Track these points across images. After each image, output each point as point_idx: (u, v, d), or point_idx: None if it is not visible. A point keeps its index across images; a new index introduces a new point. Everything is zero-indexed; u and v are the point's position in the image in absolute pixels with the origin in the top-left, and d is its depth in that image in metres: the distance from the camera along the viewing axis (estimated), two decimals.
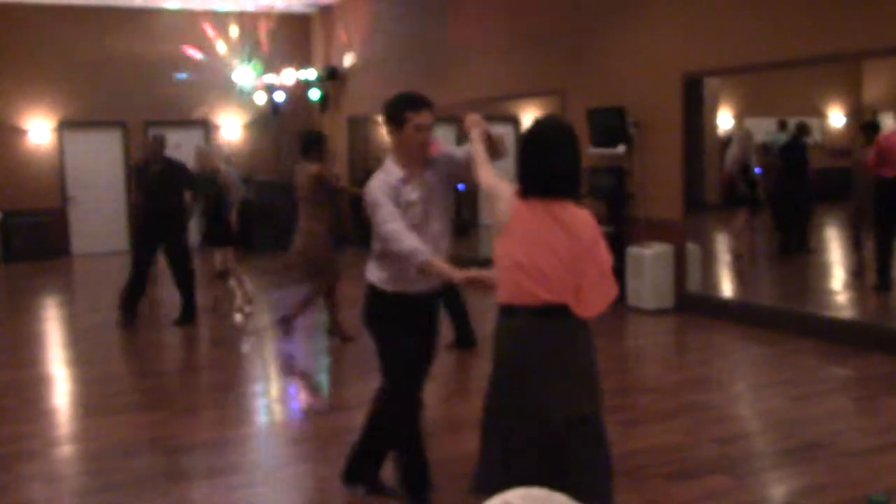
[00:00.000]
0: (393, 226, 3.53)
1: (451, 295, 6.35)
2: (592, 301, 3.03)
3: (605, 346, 7.28)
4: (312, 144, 7.25)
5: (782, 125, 10.80)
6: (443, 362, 6.65)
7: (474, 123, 3.54)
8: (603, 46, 9.12)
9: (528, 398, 3.02)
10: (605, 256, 3.07)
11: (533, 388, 3.01)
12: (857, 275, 9.08)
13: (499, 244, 3.10)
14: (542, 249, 2.98)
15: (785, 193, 10.11)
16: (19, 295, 11.09)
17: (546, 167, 3.06)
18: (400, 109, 3.64)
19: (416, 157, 3.68)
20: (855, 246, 9.09)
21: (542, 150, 3.08)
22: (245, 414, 5.72)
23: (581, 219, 3.05)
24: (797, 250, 10.31)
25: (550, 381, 3.01)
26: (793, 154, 9.99)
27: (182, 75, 14.64)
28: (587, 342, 3.14)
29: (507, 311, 3.08)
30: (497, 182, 3.28)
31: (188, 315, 8.40)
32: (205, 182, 8.67)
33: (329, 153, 7.63)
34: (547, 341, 3.03)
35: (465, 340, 6.82)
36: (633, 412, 5.38)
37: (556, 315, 3.01)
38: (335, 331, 7.32)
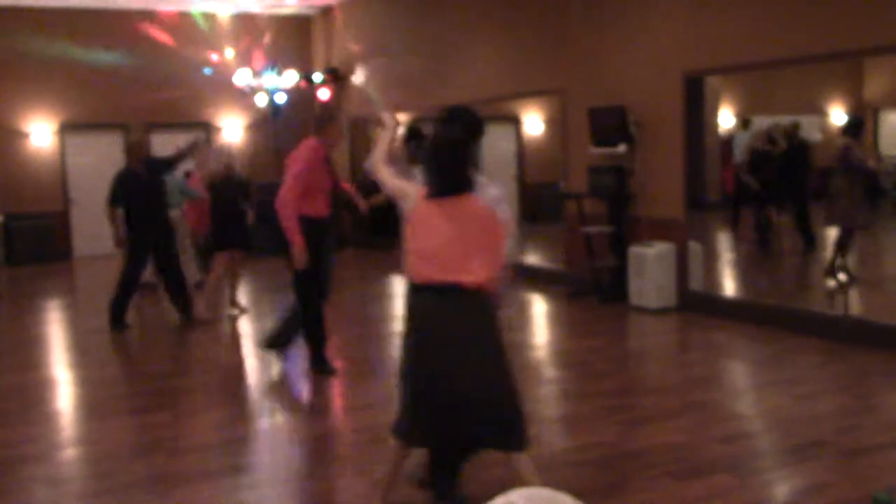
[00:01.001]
0: None
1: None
2: (482, 273, 3.50)
3: (608, 346, 7.32)
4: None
5: (745, 123, 10.78)
6: None
7: (392, 124, 4.01)
8: (604, 45, 9.13)
9: (429, 364, 3.52)
10: (497, 235, 3.58)
11: (433, 355, 3.52)
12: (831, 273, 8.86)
13: (407, 234, 3.64)
14: (437, 237, 3.51)
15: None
16: (22, 298, 11.10)
17: (446, 173, 3.56)
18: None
19: None
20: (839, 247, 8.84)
21: (443, 161, 3.59)
22: (249, 415, 5.72)
23: (474, 207, 3.56)
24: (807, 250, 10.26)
25: (447, 350, 3.49)
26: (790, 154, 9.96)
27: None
28: (485, 315, 3.57)
29: (413, 289, 3.62)
30: (399, 183, 3.78)
31: (189, 310, 8.54)
32: (225, 183, 8.72)
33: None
34: (444, 314, 3.50)
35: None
36: (636, 411, 5.38)
37: (451, 292, 3.47)
38: None
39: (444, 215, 3.53)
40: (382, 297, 10.34)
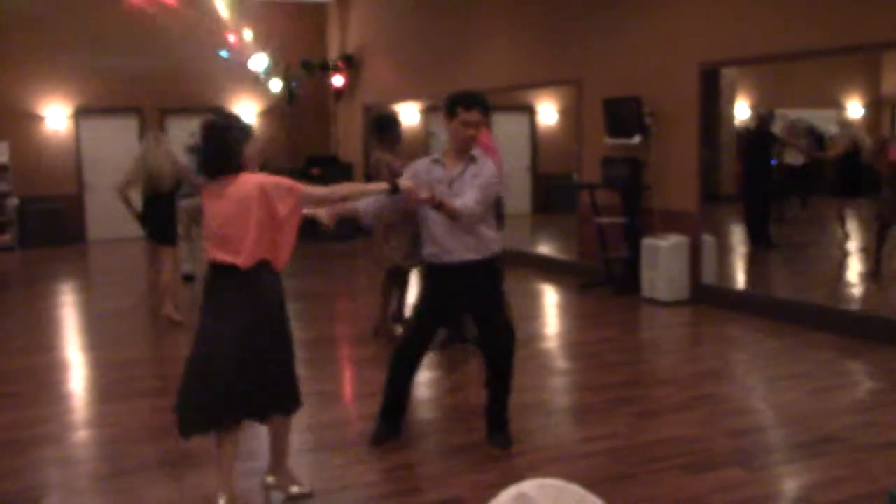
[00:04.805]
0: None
1: None
2: (256, 252, 3.68)
3: (619, 338, 7.30)
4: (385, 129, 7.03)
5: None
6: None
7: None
8: (620, 35, 9.07)
9: (204, 345, 3.75)
10: (277, 213, 3.66)
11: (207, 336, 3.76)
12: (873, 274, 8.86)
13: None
14: (213, 218, 3.74)
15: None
16: (35, 280, 11.16)
17: (208, 157, 3.77)
18: (453, 104, 4.29)
19: (458, 148, 4.35)
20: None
21: (205, 146, 3.79)
22: None
23: (242, 187, 3.67)
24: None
25: (218, 330, 3.71)
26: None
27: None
28: (258, 293, 3.72)
29: (210, 269, 3.81)
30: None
31: None
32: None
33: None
34: (219, 294, 3.73)
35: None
36: (648, 404, 5.36)
37: (228, 271, 3.69)
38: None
39: (219, 197, 3.71)
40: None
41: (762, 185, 10.18)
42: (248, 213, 3.63)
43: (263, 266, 3.71)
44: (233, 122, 3.84)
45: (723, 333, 7.33)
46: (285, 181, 3.75)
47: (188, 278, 9.98)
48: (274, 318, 3.78)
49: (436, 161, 4.40)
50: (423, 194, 4.08)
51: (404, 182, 4.14)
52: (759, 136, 10.36)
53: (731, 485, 4.05)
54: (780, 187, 10.85)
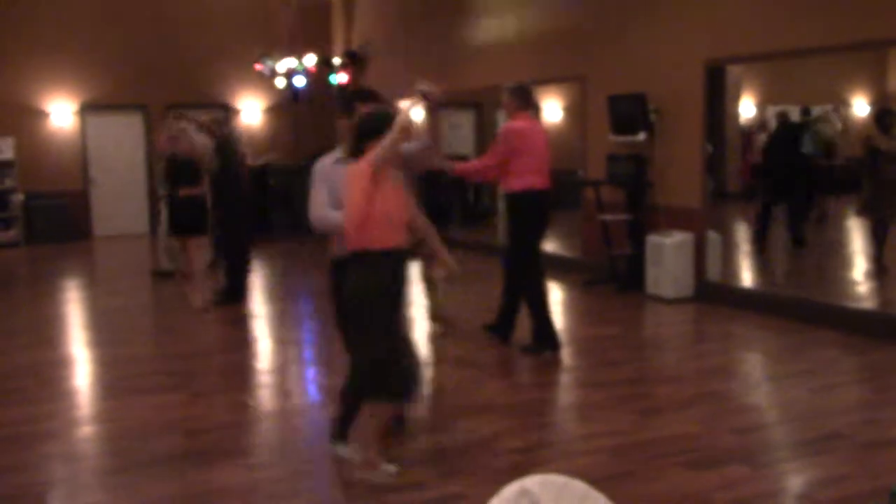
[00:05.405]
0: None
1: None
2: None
3: (623, 335, 7.30)
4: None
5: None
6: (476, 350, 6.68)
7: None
8: (624, 33, 9.06)
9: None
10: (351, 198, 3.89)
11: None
12: (877, 270, 8.83)
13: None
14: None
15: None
16: (40, 276, 11.19)
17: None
18: (351, 101, 4.39)
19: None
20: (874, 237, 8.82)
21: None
22: (264, 396, 5.75)
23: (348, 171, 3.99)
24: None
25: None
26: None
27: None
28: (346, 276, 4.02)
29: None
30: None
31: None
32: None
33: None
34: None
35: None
36: (652, 401, 5.36)
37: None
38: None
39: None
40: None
41: (791, 184, 9.98)
42: (346, 196, 3.93)
43: (353, 256, 3.92)
44: (376, 113, 4.10)
45: (727, 331, 7.32)
46: (366, 157, 3.89)
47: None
48: (351, 306, 4.01)
49: (338, 161, 4.26)
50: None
51: (420, 86, 4.22)
52: (782, 131, 10.22)
53: (735, 481, 4.05)
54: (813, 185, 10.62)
